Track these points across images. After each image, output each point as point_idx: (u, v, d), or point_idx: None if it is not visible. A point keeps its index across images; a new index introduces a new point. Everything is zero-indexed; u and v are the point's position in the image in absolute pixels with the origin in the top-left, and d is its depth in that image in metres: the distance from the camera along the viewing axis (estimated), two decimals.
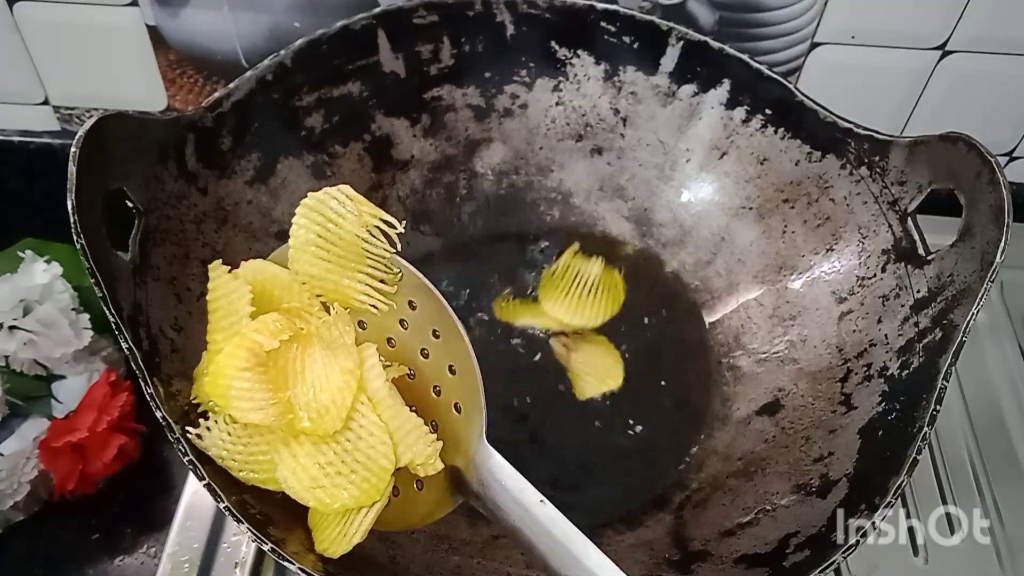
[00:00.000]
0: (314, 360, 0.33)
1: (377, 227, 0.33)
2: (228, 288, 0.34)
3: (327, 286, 0.34)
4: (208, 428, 0.32)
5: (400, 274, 0.33)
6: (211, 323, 0.34)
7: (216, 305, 0.34)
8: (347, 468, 0.32)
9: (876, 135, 0.42)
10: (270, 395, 0.31)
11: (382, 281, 0.33)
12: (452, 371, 0.33)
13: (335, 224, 0.33)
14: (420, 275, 0.33)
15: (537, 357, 0.47)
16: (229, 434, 0.32)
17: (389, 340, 0.34)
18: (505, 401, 0.45)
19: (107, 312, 0.32)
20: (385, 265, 0.33)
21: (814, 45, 0.54)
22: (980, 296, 0.35)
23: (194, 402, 0.34)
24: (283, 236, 0.44)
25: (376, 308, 0.34)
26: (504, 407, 0.45)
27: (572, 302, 0.48)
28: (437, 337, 0.33)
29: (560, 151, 0.50)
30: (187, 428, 0.32)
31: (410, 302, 0.33)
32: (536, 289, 0.49)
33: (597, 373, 0.46)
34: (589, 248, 0.50)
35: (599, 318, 0.48)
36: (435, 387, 0.33)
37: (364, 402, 0.32)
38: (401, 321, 0.34)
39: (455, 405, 0.33)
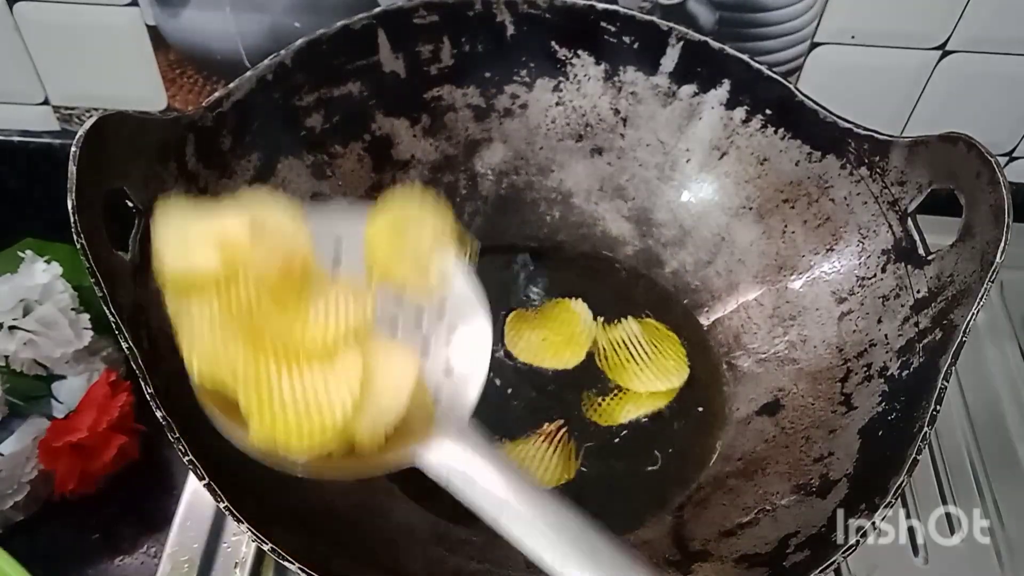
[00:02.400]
0: (336, 289, 0.33)
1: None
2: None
3: (391, 259, 0.34)
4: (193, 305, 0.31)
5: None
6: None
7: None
8: (294, 398, 0.30)
9: (876, 135, 0.42)
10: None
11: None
12: (448, 372, 0.33)
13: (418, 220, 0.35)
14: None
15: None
16: (211, 317, 0.31)
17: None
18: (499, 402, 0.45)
19: (107, 312, 0.32)
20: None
21: (814, 45, 0.54)
22: (980, 296, 0.35)
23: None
24: None
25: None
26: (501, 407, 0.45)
27: (647, 366, 0.46)
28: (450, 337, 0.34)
29: (560, 151, 0.50)
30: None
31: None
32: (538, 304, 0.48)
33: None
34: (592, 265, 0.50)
35: (682, 365, 0.47)
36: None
37: (353, 354, 0.31)
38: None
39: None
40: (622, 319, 0.48)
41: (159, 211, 0.32)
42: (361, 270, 0.35)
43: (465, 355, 0.35)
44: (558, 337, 0.47)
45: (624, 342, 0.47)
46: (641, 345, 0.47)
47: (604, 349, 0.47)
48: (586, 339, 0.47)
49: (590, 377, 0.46)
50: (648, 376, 0.46)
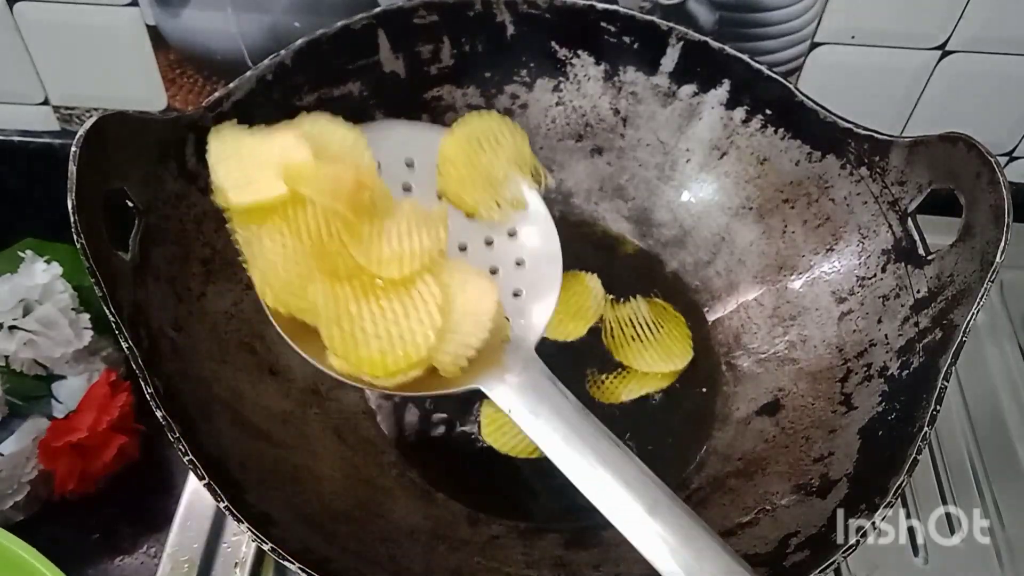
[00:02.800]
0: (408, 212, 0.32)
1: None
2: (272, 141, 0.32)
3: (466, 178, 0.34)
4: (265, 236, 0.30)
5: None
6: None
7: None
8: (376, 328, 0.30)
9: (876, 135, 0.42)
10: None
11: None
12: (517, 296, 0.33)
13: (487, 142, 0.34)
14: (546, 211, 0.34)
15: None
16: (281, 246, 0.30)
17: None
18: None
19: (107, 312, 0.32)
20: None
21: (814, 45, 0.54)
22: (980, 296, 0.35)
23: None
24: None
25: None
26: None
27: (652, 346, 0.46)
28: (521, 265, 0.34)
29: (560, 151, 0.50)
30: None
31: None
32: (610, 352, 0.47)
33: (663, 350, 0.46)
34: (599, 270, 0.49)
35: (686, 347, 0.47)
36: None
37: (431, 280, 0.31)
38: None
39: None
40: (631, 298, 0.48)
41: (213, 136, 0.31)
42: (429, 189, 0.35)
43: (535, 281, 0.34)
44: (565, 309, 0.47)
45: (631, 320, 0.47)
46: (647, 324, 0.47)
47: (611, 326, 0.47)
48: (592, 315, 0.47)
49: (593, 353, 0.46)
50: (652, 356, 0.46)
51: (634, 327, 0.47)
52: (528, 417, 0.31)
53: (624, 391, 0.45)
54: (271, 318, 0.32)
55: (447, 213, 0.34)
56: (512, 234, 0.35)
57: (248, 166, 0.30)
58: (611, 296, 0.48)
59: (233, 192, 0.30)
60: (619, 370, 0.46)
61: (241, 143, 0.31)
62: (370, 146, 0.33)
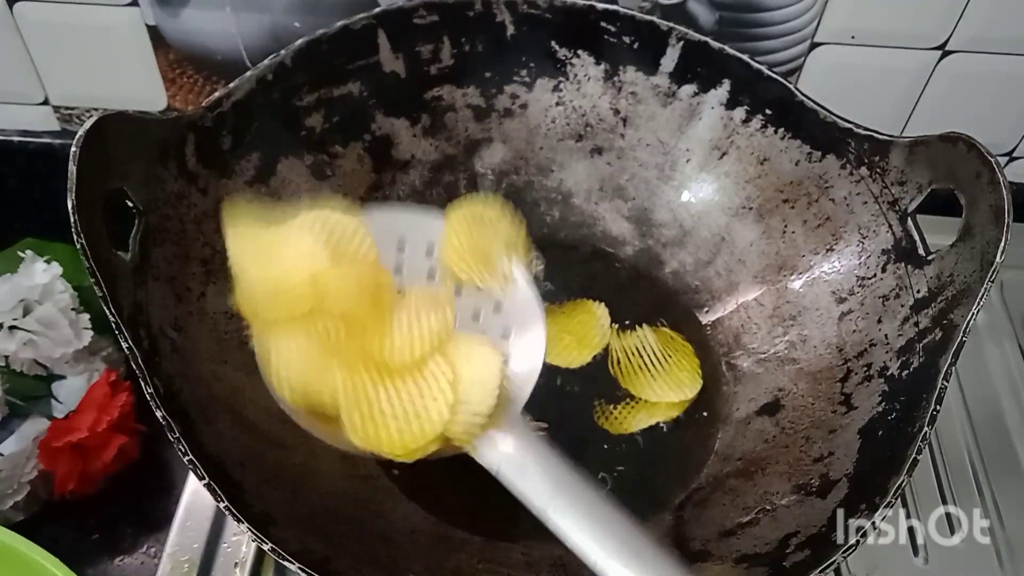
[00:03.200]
0: (413, 299, 0.34)
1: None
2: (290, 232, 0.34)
3: (462, 250, 0.36)
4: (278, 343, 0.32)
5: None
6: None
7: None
8: (393, 410, 0.32)
9: (876, 135, 0.42)
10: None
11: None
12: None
13: (488, 223, 0.37)
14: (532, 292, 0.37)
15: None
16: (296, 349, 0.32)
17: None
18: None
19: (107, 312, 0.32)
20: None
21: (814, 45, 0.54)
22: (980, 296, 0.35)
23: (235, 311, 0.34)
24: None
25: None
26: None
27: (660, 376, 0.46)
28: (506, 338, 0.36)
29: (560, 151, 0.50)
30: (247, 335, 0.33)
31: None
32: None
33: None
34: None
35: (695, 376, 0.46)
36: None
37: (440, 359, 0.33)
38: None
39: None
40: (637, 327, 0.48)
41: (230, 234, 0.33)
42: (420, 270, 0.37)
43: (521, 351, 0.36)
44: (569, 336, 0.47)
45: (638, 350, 0.47)
46: (655, 354, 0.47)
47: (617, 356, 0.47)
48: (598, 343, 0.47)
49: (599, 382, 0.46)
50: (661, 386, 0.45)
51: (641, 356, 0.47)
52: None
53: (634, 422, 0.45)
54: (283, 406, 0.34)
55: (452, 294, 0.36)
56: (497, 309, 0.37)
57: (273, 277, 0.33)
58: (616, 325, 0.48)
59: (263, 307, 0.32)
60: (628, 400, 0.45)
61: (260, 244, 0.33)
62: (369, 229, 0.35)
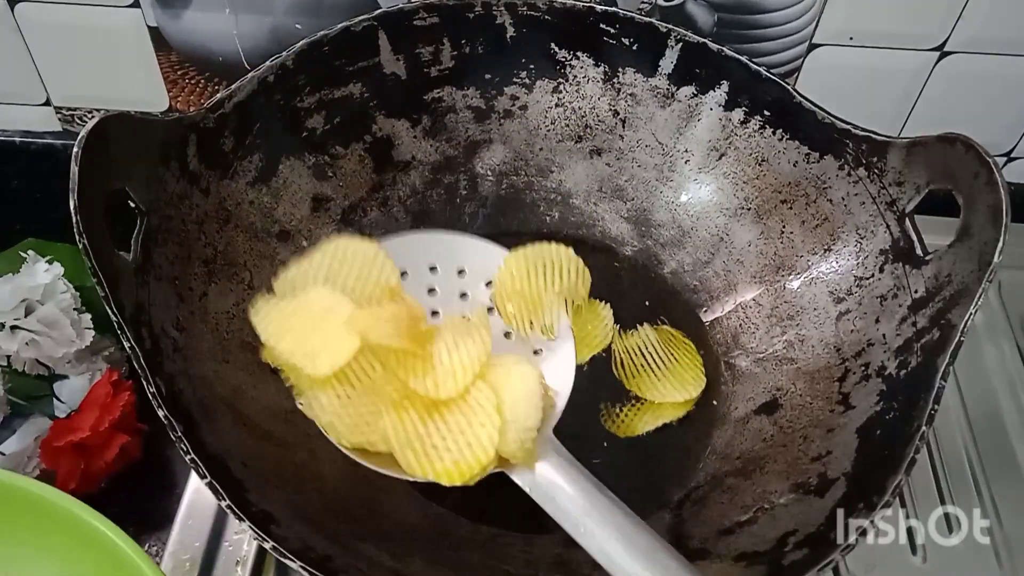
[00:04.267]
0: (449, 329, 0.35)
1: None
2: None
3: (513, 295, 0.38)
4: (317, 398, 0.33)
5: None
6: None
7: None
8: (445, 443, 0.33)
9: (874, 136, 0.42)
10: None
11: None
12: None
13: (549, 271, 0.39)
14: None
15: None
16: (339, 397, 0.33)
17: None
18: None
19: (109, 312, 0.32)
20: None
21: (812, 46, 0.54)
22: (978, 296, 0.36)
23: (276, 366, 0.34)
24: (284, 236, 0.44)
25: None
26: None
27: (664, 376, 0.46)
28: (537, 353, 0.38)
29: (560, 152, 0.50)
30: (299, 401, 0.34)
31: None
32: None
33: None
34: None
35: (699, 375, 0.46)
36: None
37: (482, 383, 0.34)
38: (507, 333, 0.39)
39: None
40: (638, 326, 0.48)
41: (254, 317, 0.34)
42: (453, 291, 0.39)
43: (552, 369, 0.38)
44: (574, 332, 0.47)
45: (641, 350, 0.47)
46: (658, 353, 0.46)
47: (620, 356, 0.47)
48: (599, 343, 0.47)
49: (603, 383, 0.46)
50: (666, 386, 0.45)
51: (644, 356, 0.46)
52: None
53: (640, 424, 0.45)
54: (338, 446, 0.35)
55: (487, 316, 0.37)
56: (537, 352, 0.39)
57: (307, 338, 0.33)
58: (617, 325, 0.47)
59: (310, 365, 0.33)
60: (633, 402, 0.45)
61: (285, 315, 0.34)
62: (391, 256, 0.36)
